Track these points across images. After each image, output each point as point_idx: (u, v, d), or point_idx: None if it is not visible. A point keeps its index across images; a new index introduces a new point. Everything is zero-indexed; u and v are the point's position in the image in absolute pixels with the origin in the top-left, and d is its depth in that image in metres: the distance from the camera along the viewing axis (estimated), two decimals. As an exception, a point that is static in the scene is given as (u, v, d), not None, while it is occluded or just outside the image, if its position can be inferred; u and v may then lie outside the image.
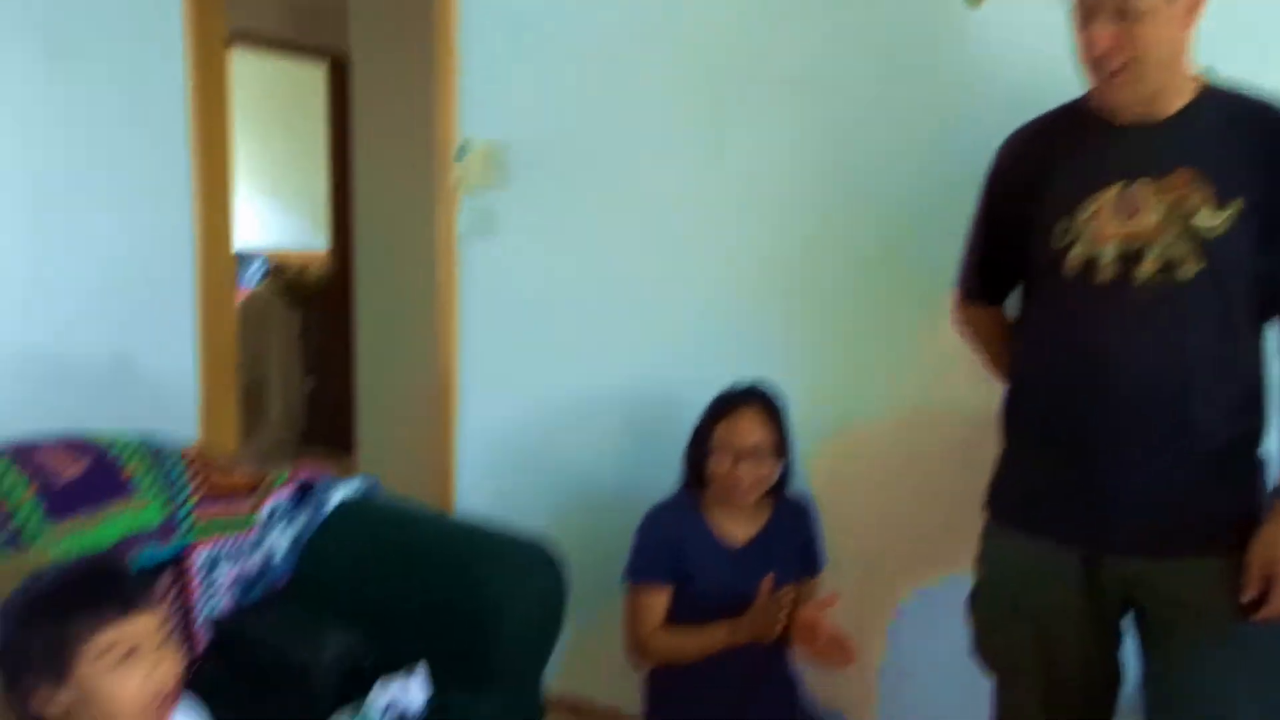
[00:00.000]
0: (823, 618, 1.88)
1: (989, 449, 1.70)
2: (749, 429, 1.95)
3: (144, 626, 1.14)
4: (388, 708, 1.64)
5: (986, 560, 1.70)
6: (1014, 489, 1.66)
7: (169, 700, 1.16)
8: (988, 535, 1.70)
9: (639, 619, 1.98)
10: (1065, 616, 1.58)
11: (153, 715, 1.14)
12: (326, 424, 3.93)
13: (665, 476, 2.08)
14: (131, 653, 1.12)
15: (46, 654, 1.10)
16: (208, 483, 1.84)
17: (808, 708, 2.08)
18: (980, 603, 1.71)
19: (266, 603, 1.88)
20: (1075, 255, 1.49)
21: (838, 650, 1.88)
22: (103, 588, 1.15)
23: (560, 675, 2.30)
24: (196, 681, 1.31)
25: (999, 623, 1.67)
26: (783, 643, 1.95)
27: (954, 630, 1.75)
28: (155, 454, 1.80)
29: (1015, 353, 1.68)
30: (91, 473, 1.67)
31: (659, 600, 1.98)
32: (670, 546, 1.98)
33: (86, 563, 1.29)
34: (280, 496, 1.94)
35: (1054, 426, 1.56)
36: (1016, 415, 1.65)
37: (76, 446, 1.72)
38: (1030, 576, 1.61)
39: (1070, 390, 1.53)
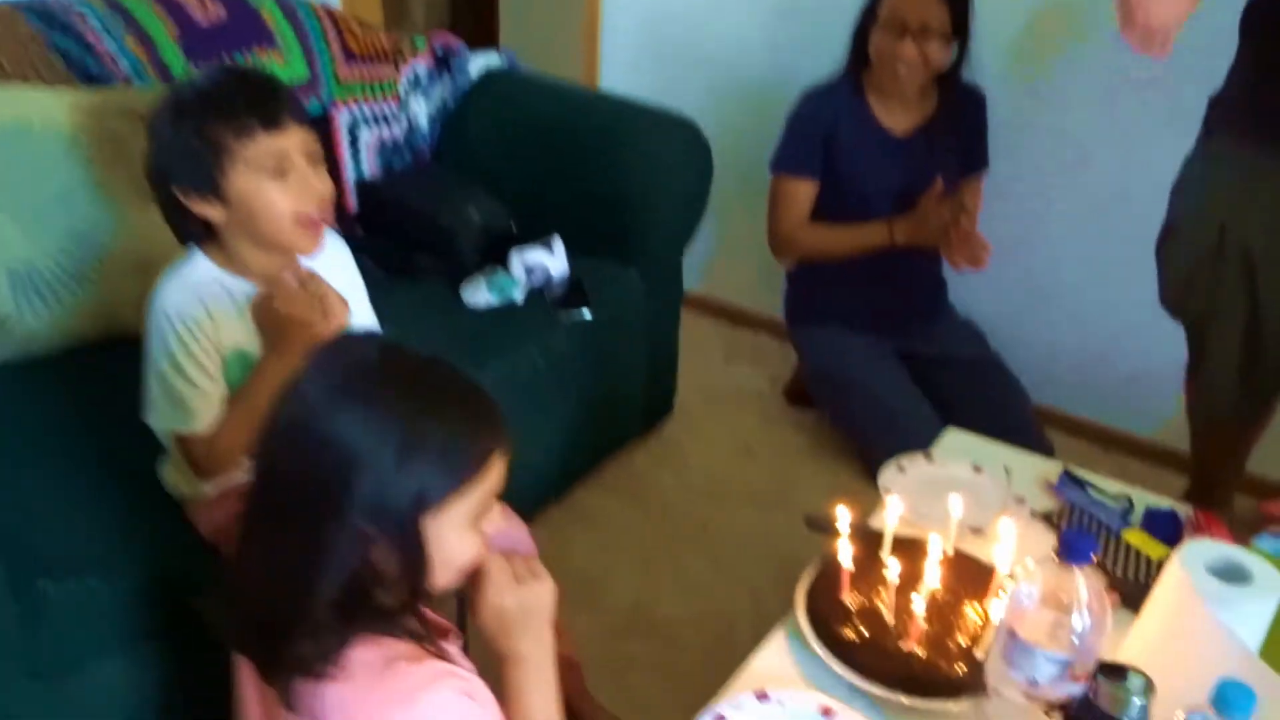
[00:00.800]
0: (969, 218, 1.79)
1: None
2: (921, 2, 1.72)
3: (293, 141, 1.09)
4: (531, 270, 1.67)
5: (1192, 186, 1.44)
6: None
7: (317, 223, 1.13)
8: (1202, 152, 1.43)
9: (783, 211, 1.91)
10: None
11: (302, 235, 1.13)
12: (468, 23, 3.81)
13: (822, 66, 1.90)
14: (281, 167, 1.09)
15: (197, 163, 1.07)
16: (345, 41, 1.79)
17: (952, 313, 2.03)
18: (1178, 239, 1.47)
19: (413, 171, 1.89)
20: None
21: (973, 253, 1.78)
22: (250, 98, 1.09)
23: (699, 278, 2.31)
24: (348, 240, 1.30)
25: (1200, 261, 1.44)
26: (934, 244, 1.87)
27: (1109, 255, 1.59)
28: (289, 7, 1.74)
29: None
30: (233, 17, 1.63)
31: (805, 193, 1.89)
32: (823, 135, 1.85)
33: (235, 71, 1.22)
34: (419, 63, 1.88)
35: None
36: None
37: (212, -8, 1.66)
38: (1248, 196, 1.36)
39: None
